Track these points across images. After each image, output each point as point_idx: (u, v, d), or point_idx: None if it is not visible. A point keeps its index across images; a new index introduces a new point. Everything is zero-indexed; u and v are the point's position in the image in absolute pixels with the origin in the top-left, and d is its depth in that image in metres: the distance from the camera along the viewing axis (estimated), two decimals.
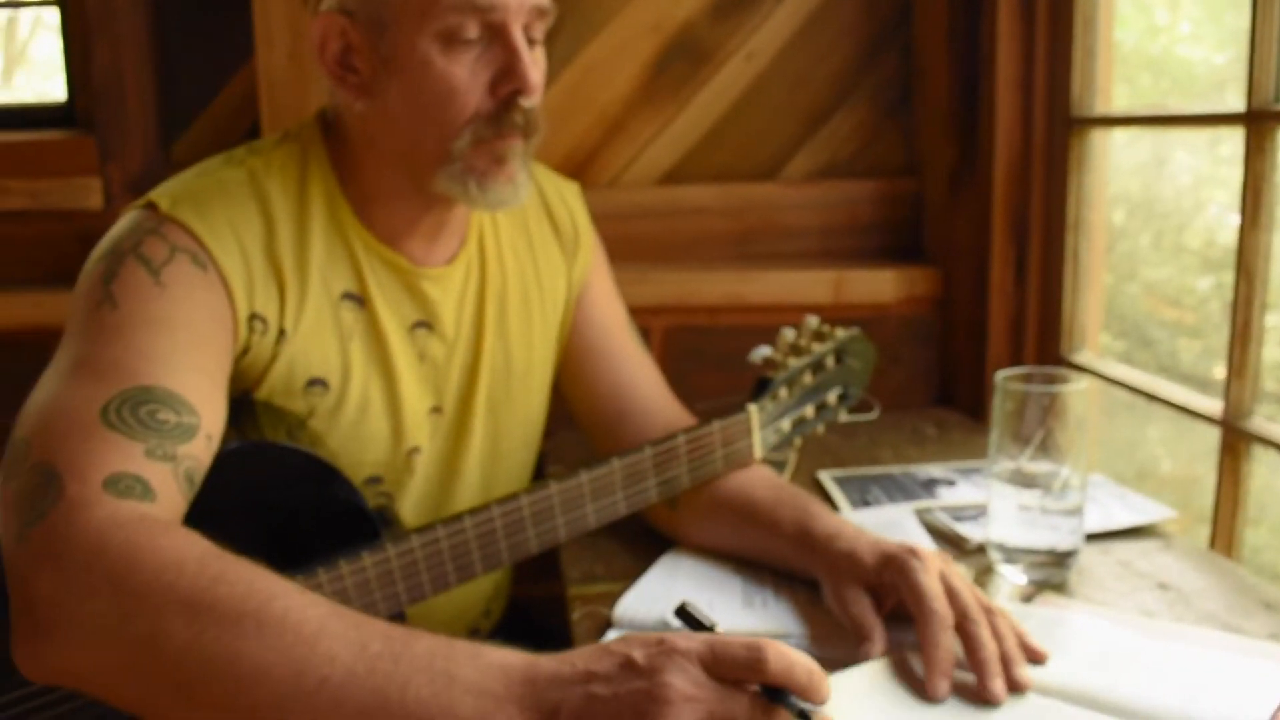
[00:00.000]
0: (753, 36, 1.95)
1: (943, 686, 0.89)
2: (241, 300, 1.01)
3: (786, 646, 0.74)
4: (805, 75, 1.97)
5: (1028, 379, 1.14)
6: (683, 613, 0.85)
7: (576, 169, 1.96)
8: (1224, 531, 1.41)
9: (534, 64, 1.04)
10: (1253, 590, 1.14)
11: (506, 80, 1.03)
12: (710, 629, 0.81)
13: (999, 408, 1.15)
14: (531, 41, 1.06)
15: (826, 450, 1.62)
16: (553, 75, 1.93)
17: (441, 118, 1.03)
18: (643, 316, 1.83)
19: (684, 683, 0.71)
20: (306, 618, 0.74)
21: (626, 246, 1.92)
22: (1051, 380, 1.13)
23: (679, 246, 1.96)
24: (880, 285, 1.87)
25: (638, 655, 0.72)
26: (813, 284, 1.86)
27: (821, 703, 0.75)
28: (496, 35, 1.03)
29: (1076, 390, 1.12)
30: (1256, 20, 1.30)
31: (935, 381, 1.92)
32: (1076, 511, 1.15)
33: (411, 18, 1.00)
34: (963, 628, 0.92)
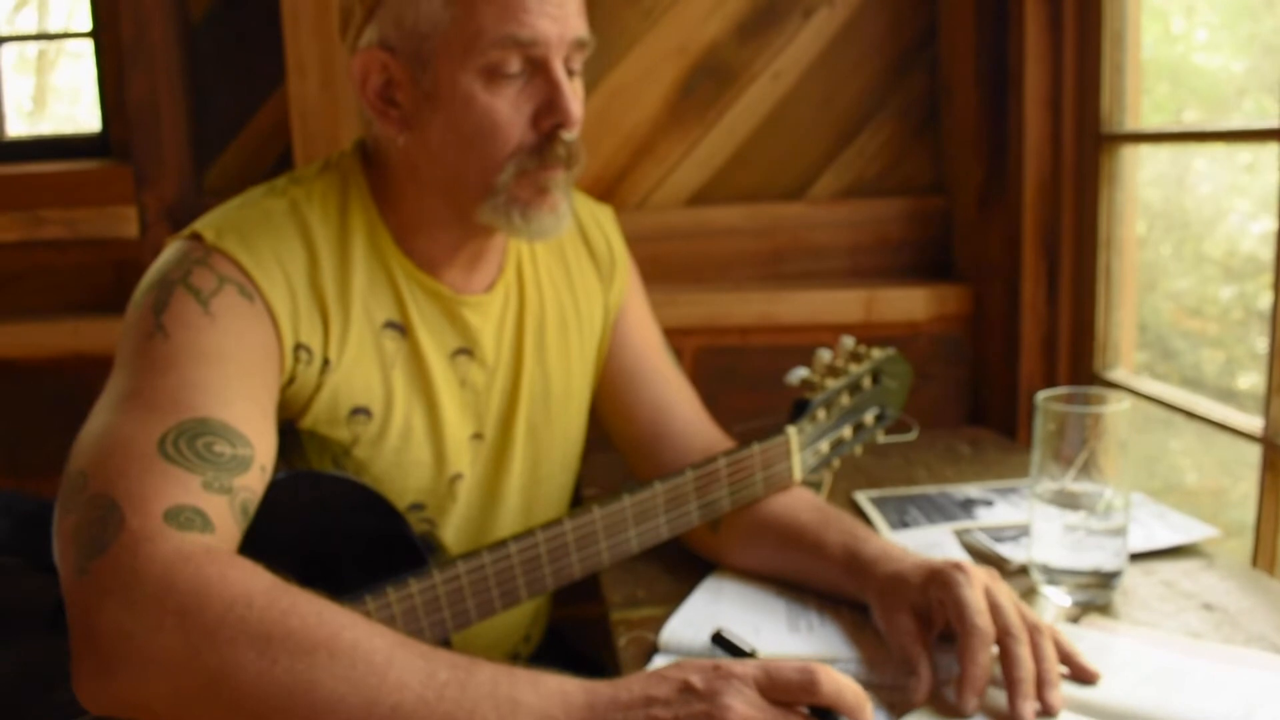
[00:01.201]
0: (779, 57, 1.96)
1: (971, 704, 0.89)
2: (287, 331, 1.02)
3: (834, 670, 0.77)
4: (832, 94, 1.98)
5: (1068, 399, 1.14)
6: (720, 639, 0.87)
7: (605, 191, 1.97)
8: (1266, 549, 1.40)
9: (574, 96, 1.05)
10: None
11: (549, 114, 1.04)
12: (750, 654, 0.82)
13: (1040, 428, 1.14)
14: (570, 73, 1.07)
15: (861, 471, 1.62)
16: None
17: (485, 151, 1.04)
18: (674, 337, 1.83)
19: (742, 704, 0.74)
20: (375, 647, 0.76)
21: (656, 268, 1.93)
22: (1091, 400, 1.13)
23: (709, 267, 1.97)
24: (911, 304, 1.87)
25: (695, 679, 0.75)
26: (844, 303, 1.86)
27: None
28: (538, 69, 1.04)
29: (1119, 410, 1.12)
30: None
31: (968, 400, 1.92)
32: (1120, 532, 1.14)
33: (454, 54, 1.01)
34: (1003, 644, 0.92)
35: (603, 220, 1.31)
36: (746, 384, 1.87)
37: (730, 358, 1.88)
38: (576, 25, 1.05)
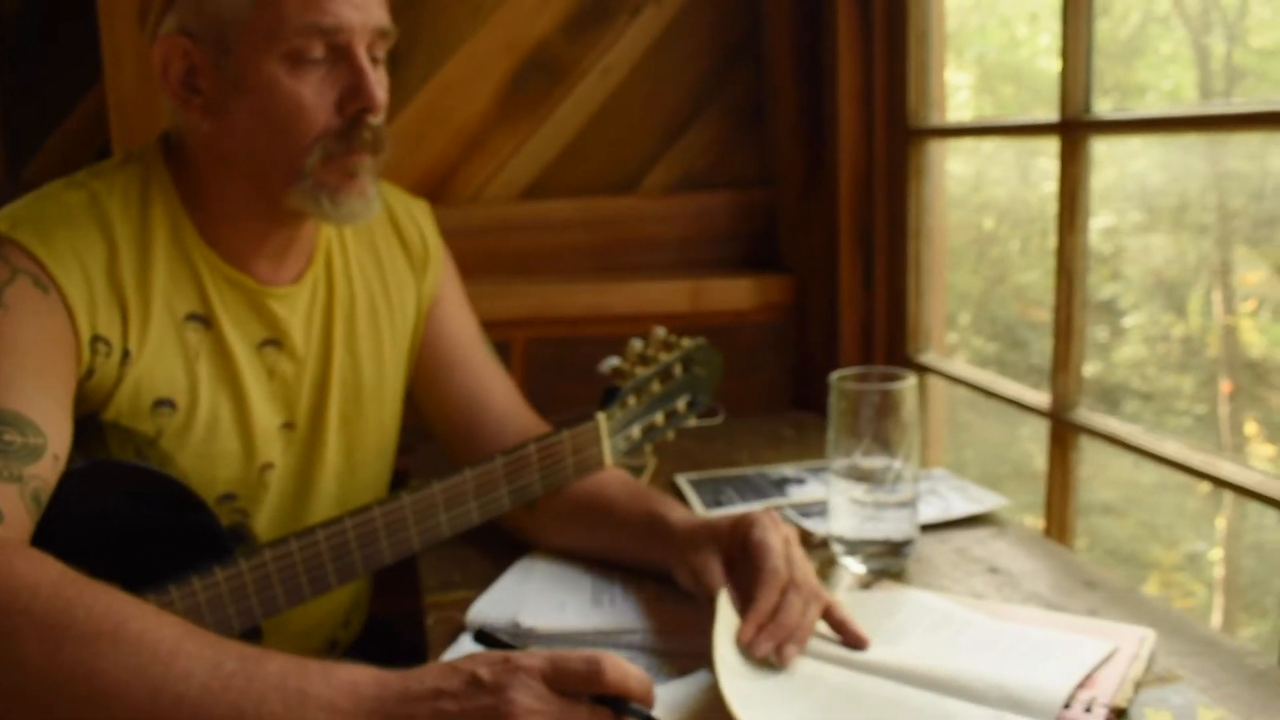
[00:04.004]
0: (608, 53, 2.00)
1: (765, 645, 0.96)
2: (84, 323, 1.02)
3: (621, 659, 0.80)
4: (661, 90, 2.03)
5: (860, 378, 1.20)
6: (482, 636, 0.89)
7: (437, 186, 1.98)
8: (1056, 518, 1.49)
9: (379, 82, 1.07)
10: (1077, 571, 1.21)
11: (353, 99, 1.06)
12: (511, 648, 0.85)
13: (834, 407, 1.20)
14: (374, 60, 1.09)
15: (684, 455, 1.67)
16: (410, 94, 1.96)
17: (291, 135, 1.05)
18: (505, 329, 1.86)
19: (528, 697, 0.76)
20: (162, 637, 0.77)
21: (488, 261, 1.95)
22: (882, 379, 1.20)
23: (541, 260, 2.00)
24: (736, 293, 1.93)
25: (484, 673, 0.77)
26: (671, 293, 1.91)
27: (652, 707, 0.81)
28: (342, 55, 1.05)
29: (905, 388, 1.19)
30: (1067, 35, 1.39)
31: (792, 385, 1.99)
32: (910, 503, 1.21)
33: (257, 40, 1.02)
34: (785, 590, 0.99)
35: (417, 213, 1.33)
36: (577, 374, 1.90)
37: (561, 348, 1.91)
38: (378, 14, 1.07)
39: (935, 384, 1.82)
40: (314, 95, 1.05)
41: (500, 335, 1.87)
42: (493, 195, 2.01)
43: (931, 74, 1.75)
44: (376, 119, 1.08)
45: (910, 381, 1.19)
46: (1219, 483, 1.22)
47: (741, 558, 1.04)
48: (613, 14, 1.99)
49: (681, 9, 2.00)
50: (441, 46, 1.96)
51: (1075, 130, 1.39)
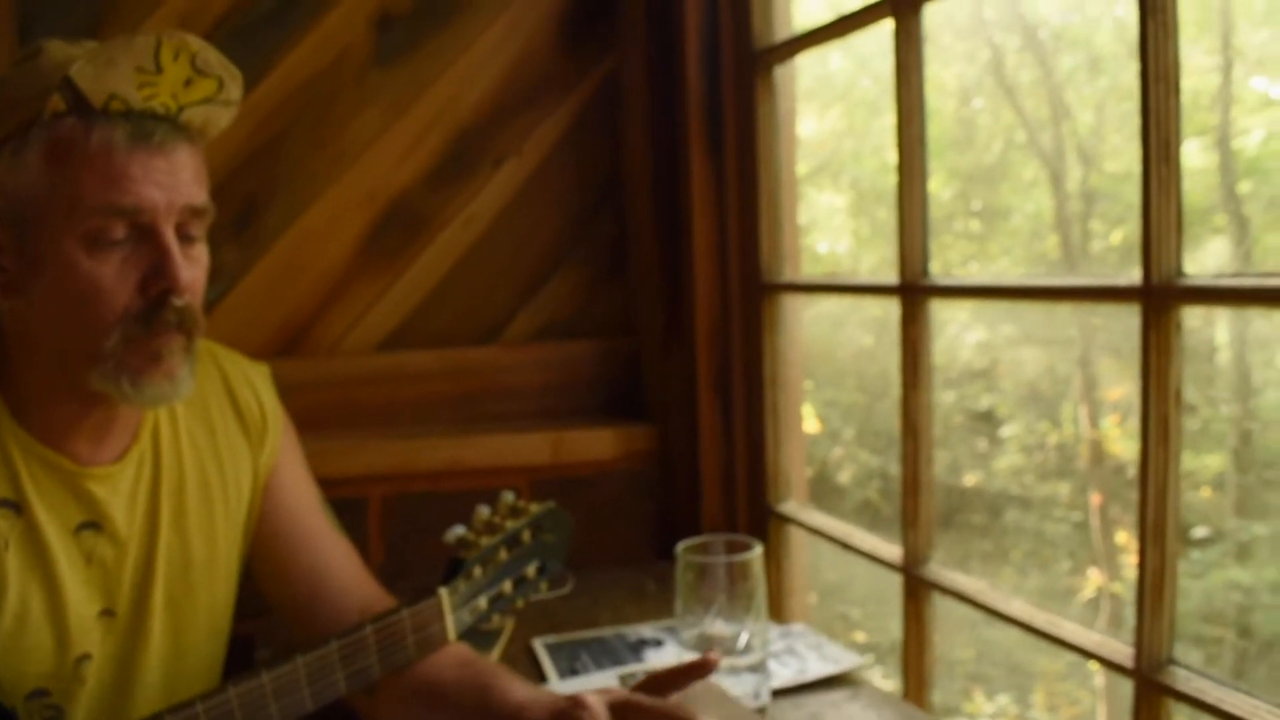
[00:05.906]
0: (470, 204, 2.01)
1: None
2: None
3: None
4: (523, 240, 2.04)
5: (705, 549, 1.19)
6: None
7: (295, 336, 1.95)
8: (914, 675, 1.49)
9: (189, 262, 1.04)
10: None
11: (156, 280, 1.02)
12: None
13: (680, 577, 1.19)
14: (190, 238, 1.06)
15: (545, 615, 1.63)
16: (268, 243, 1.94)
17: (88, 317, 1.02)
18: (361, 485, 1.82)
19: None
20: None
21: (346, 414, 1.92)
22: (729, 548, 1.19)
23: (401, 412, 1.97)
24: (598, 443, 1.92)
25: None
26: (531, 445, 1.89)
27: None
28: (146, 235, 1.02)
29: (751, 558, 1.18)
30: (903, 202, 1.43)
31: (656, 535, 1.97)
32: (760, 668, 1.20)
33: (56, 219, 1.00)
34: None
35: (255, 380, 1.29)
36: (437, 530, 1.86)
37: (420, 504, 1.87)
38: (190, 192, 1.04)
39: (796, 533, 1.82)
40: (114, 277, 1.02)
41: (357, 491, 1.82)
42: (352, 346, 1.98)
43: (784, 228, 1.79)
44: (181, 300, 1.04)
45: (755, 552, 1.19)
46: (1061, 644, 1.24)
47: None
48: (475, 165, 2.01)
49: (543, 161, 2.03)
50: (301, 195, 1.95)
51: (914, 293, 1.43)
